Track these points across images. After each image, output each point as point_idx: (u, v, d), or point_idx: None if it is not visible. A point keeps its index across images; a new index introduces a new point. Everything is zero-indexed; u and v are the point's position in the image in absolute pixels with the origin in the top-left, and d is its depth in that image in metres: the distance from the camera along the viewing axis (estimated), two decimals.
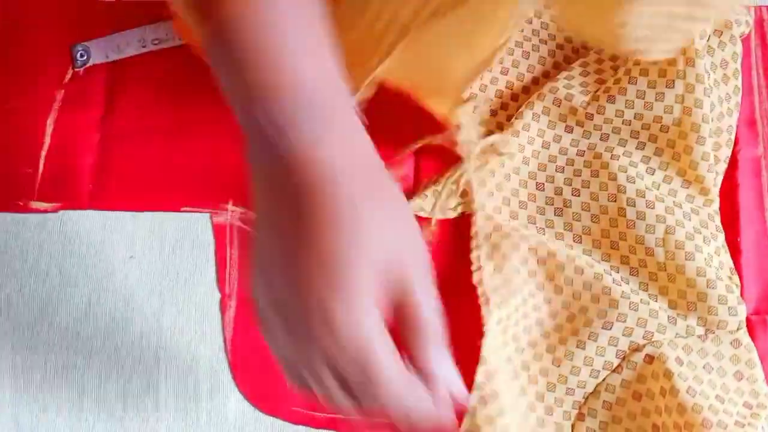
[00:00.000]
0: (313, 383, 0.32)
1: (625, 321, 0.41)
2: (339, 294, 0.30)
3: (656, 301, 0.42)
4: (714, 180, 0.44)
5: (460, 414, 0.37)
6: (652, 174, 0.44)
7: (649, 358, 0.40)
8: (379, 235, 0.31)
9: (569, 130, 0.46)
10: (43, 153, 0.50)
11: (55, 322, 0.47)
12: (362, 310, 0.30)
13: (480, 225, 0.44)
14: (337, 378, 0.31)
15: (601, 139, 0.46)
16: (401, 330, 0.32)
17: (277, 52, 0.30)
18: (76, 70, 0.52)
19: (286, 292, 0.31)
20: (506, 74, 0.48)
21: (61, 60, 0.52)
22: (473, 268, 0.44)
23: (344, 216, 0.30)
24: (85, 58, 0.51)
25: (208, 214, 0.48)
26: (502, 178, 0.46)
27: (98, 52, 0.52)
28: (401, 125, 0.47)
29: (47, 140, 0.51)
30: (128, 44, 0.52)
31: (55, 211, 0.49)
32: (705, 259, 0.42)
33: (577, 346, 0.42)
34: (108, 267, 0.48)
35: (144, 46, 0.51)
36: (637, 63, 0.45)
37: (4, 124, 0.51)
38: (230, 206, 0.48)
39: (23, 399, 0.46)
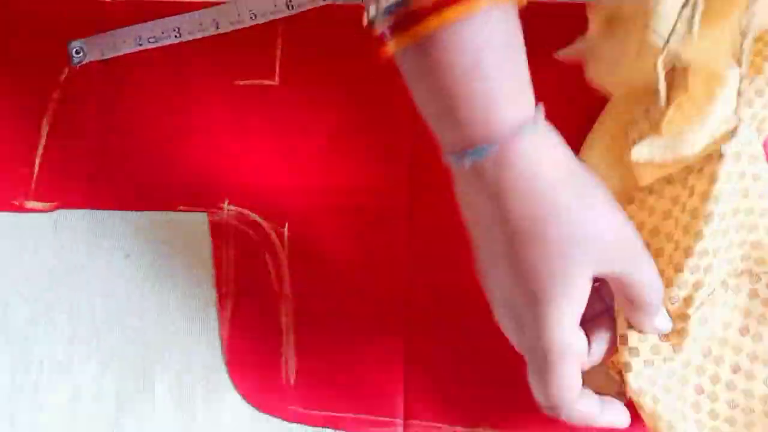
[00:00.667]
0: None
1: None
2: (537, 318, 0.33)
3: None
4: None
5: None
6: None
7: None
8: (593, 232, 0.33)
9: None
10: (39, 152, 0.51)
11: (51, 322, 0.48)
12: (555, 329, 0.33)
13: None
14: None
15: None
16: (626, 309, 0.37)
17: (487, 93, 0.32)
18: (72, 67, 0.52)
19: (508, 291, 0.35)
20: None
21: (57, 57, 0.52)
22: None
23: (560, 215, 0.33)
24: (81, 55, 0.52)
25: (204, 214, 0.49)
26: None
27: (94, 49, 0.52)
28: None
29: (43, 140, 0.51)
30: (124, 42, 0.52)
31: (50, 210, 0.50)
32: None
33: None
34: (103, 266, 0.48)
35: (140, 44, 0.52)
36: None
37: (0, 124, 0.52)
38: (226, 205, 0.49)
39: (19, 398, 0.46)
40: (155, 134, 0.50)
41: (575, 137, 0.47)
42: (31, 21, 0.53)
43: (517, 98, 0.33)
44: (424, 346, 0.46)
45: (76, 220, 0.49)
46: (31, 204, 0.50)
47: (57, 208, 0.50)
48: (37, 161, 0.51)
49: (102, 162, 0.50)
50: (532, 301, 0.33)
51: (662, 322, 0.38)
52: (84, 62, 0.52)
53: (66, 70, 0.52)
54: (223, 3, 0.52)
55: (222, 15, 0.51)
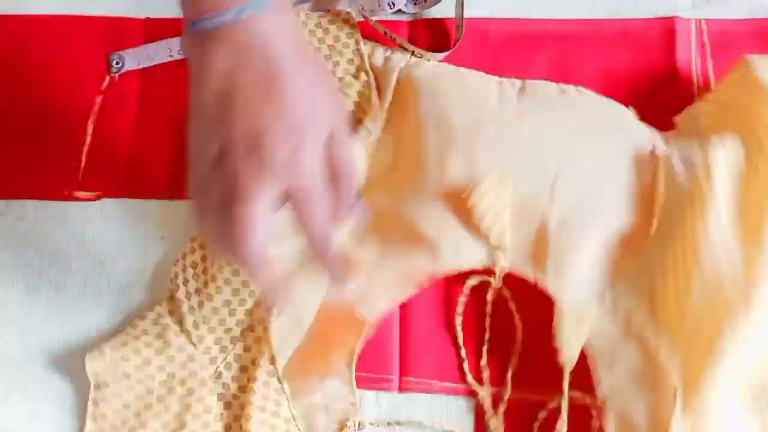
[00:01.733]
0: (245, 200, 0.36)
1: None
2: (300, 143, 0.36)
3: None
4: None
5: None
6: None
7: None
8: (318, 98, 0.38)
9: None
10: (85, 149, 0.55)
11: (97, 296, 0.52)
12: (316, 155, 0.37)
13: None
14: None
15: None
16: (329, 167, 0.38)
17: None
18: (112, 76, 0.56)
19: (245, 131, 0.36)
20: None
21: (99, 67, 0.56)
22: None
23: (292, 78, 0.37)
24: (120, 65, 0.56)
25: None
26: None
27: (131, 60, 0.56)
28: None
29: (88, 138, 0.55)
30: (157, 53, 0.56)
31: (96, 199, 0.54)
32: None
33: None
34: (142, 247, 0.52)
35: (171, 55, 0.56)
36: None
37: (51, 125, 0.55)
38: None
39: (71, 361, 0.50)
40: (184, 132, 0.53)
41: None
42: (76, 37, 0.57)
43: None
44: (416, 311, 0.50)
45: (119, 207, 0.54)
46: (79, 194, 0.54)
47: (101, 197, 0.54)
48: (84, 157, 0.55)
49: (140, 157, 0.54)
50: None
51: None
52: (122, 71, 0.56)
53: (107, 79, 0.56)
54: None
55: None
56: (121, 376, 0.47)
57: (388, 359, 0.50)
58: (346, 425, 0.47)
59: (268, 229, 0.37)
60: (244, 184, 0.36)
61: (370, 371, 0.49)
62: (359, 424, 0.48)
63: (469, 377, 0.49)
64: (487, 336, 0.49)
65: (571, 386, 0.46)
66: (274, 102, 0.37)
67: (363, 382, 0.49)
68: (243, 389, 0.47)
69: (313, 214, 0.38)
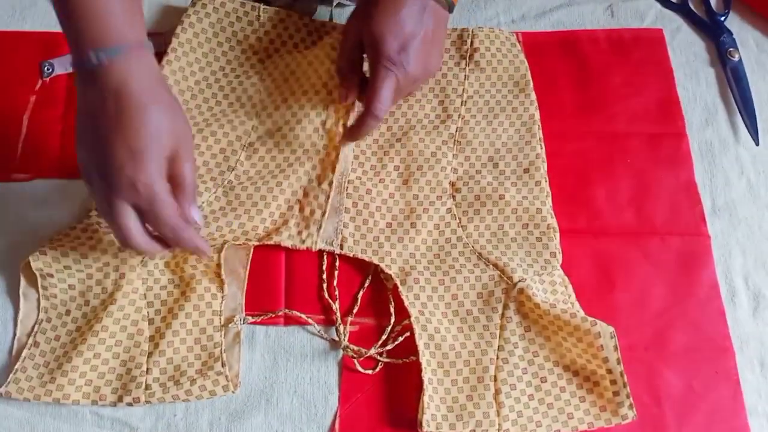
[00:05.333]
0: (113, 216, 0.46)
1: None
2: (138, 164, 0.45)
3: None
4: None
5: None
6: None
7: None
8: (159, 126, 0.45)
9: None
10: (21, 139, 0.62)
11: (31, 251, 0.56)
12: (153, 173, 0.46)
13: None
14: (135, 209, 0.46)
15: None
16: (172, 188, 0.48)
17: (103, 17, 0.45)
18: (44, 79, 0.64)
19: (101, 158, 0.45)
20: None
21: (33, 73, 0.64)
22: None
23: (137, 111, 0.45)
24: (50, 70, 0.64)
25: None
26: None
27: (60, 66, 0.64)
28: None
29: (24, 131, 0.62)
30: None
31: (30, 180, 0.61)
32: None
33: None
34: (66, 217, 0.59)
35: None
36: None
37: None
38: None
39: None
40: None
41: None
42: (13, 48, 0.65)
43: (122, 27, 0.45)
44: (299, 272, 0.59)
45: (49, 186, 0.60)
46: (15, 175, 0.61)
47: (34, 178, 0.60)
48: (20, 145, 0.62)
49: (66, 145, 0.61)
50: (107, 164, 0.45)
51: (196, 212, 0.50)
52: (52, 75, 0.64)
53: (39, 82, 0.64)
54: (154, 34, 0.64)
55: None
56: (63, 268, 0.57)
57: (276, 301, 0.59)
58: (233, 319, 0.57)
59: (141, 224, 0.47)
60: (102, 203, 0.47)
61: (262, 310, 0.58)
62: (243, 318, 0.58)
63: (330, 302, 0.59)
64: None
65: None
66: (120, 131, 0.45)
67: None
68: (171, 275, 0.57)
69: (156, 219, 0.47)
